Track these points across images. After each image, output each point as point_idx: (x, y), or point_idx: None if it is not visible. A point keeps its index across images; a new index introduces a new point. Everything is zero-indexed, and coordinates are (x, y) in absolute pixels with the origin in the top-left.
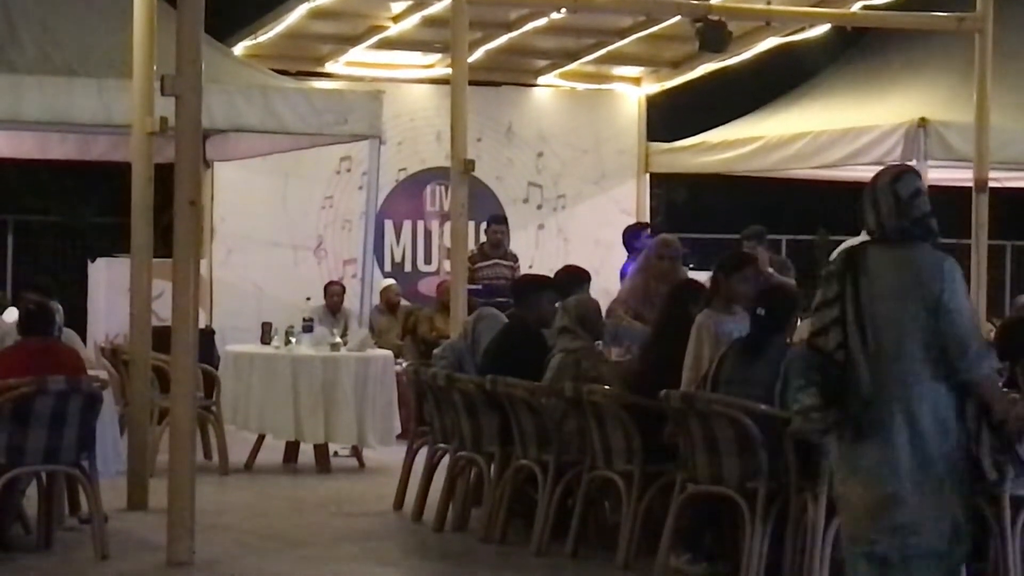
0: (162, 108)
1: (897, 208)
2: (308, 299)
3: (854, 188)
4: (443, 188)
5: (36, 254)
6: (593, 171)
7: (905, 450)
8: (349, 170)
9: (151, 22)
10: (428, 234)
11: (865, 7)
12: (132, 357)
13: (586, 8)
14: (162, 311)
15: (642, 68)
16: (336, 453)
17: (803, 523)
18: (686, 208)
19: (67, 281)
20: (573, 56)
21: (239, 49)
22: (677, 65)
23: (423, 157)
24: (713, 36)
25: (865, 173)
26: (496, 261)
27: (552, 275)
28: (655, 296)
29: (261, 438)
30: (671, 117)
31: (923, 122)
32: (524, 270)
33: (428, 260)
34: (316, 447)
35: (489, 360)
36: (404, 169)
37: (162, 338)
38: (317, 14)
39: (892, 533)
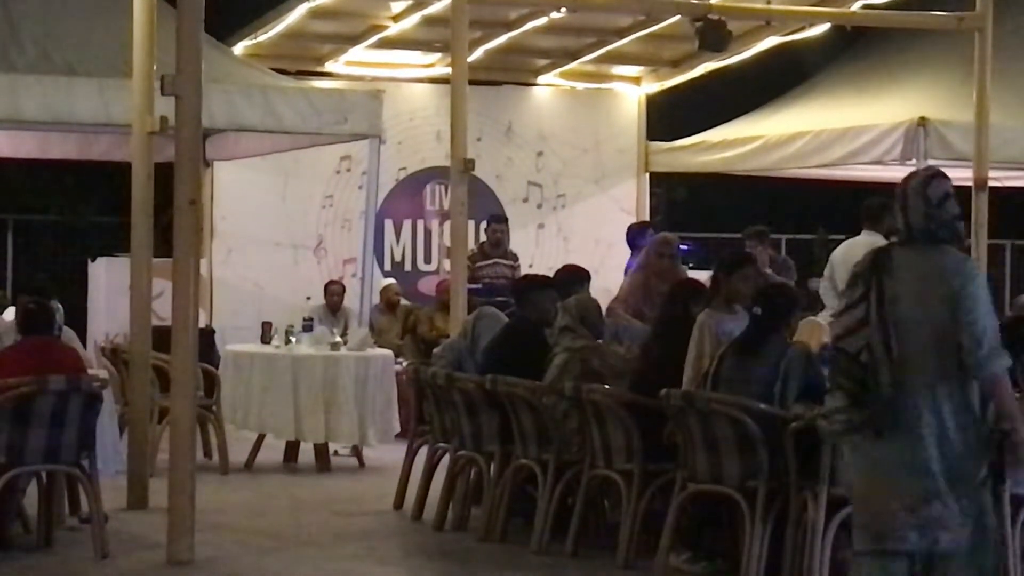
0: (162, 108)
1: (926, 211)
2: (308, 298)
3: (854, 187)
4: (443, 187)
5: (36, 254)
6: (593, 170)
7: (932, 448)
8: (349, 169)
9: (151, 22)
10: (428, 233)
11: (865, 7)
12: (132, 357)
13: (586, 7)
14: (162, 311)
15: (642, 67)
16: (336, 452)
17: (803, 522)
18: (686, 207)
19: (67, 281)
20: (573, 55)
21: (239, 49)
22: (677, 64)
23: (423, 156)
24: (713, 35)
25: (865, 172)
26: (496, 260)
27: (552, 274)
28: (655, 294)
29: (261, 437)
30: (671, 116)
31: (923, 121)
32: (524, 269)
33: (428, 259)
34: (316, 446)
35: (489, 359)
36: (404, 168)
37: (162, 338)
38: (317, 14)
39: (920, 529)
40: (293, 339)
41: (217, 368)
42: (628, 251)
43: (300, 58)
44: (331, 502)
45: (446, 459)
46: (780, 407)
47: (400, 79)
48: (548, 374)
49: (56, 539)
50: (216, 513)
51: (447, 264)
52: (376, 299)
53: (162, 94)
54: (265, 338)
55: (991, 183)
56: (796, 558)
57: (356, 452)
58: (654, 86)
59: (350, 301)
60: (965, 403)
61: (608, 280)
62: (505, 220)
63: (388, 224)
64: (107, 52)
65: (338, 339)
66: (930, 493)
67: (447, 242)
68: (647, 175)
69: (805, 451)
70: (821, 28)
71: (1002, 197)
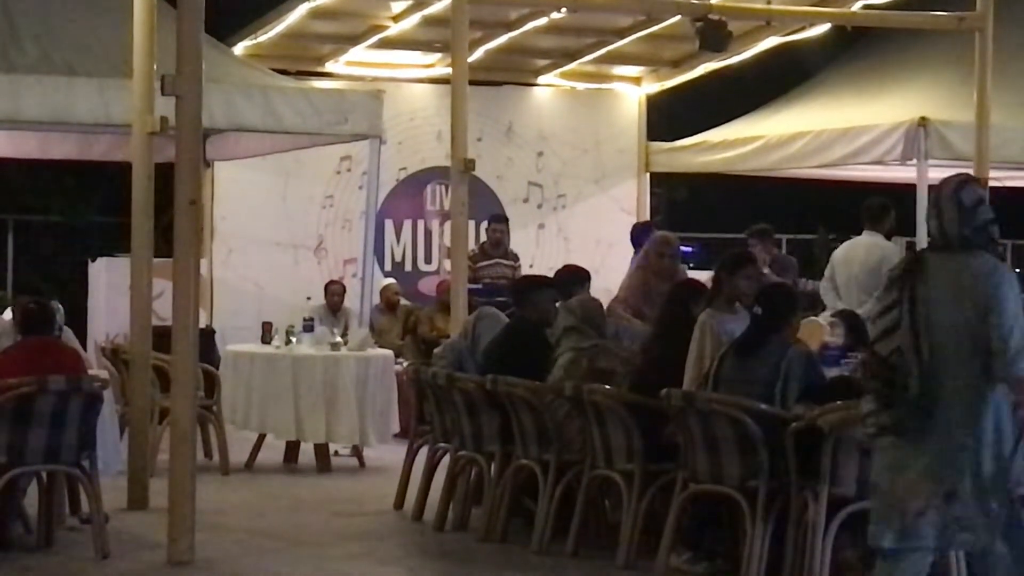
0: (162, 108)
1: (960, 216)
2: (308, 299)
3: (854, 187)
4: (443, 187)
5: (36, 254)
6: (593, 171)
7: (963, 451)
8: (349, 170)
9: (151, 22)
10: (428, 233)
11: (865, 7)
12: (132, 357)
13: (586, 8)
14: (162, 311)
15: (642, 67)
16: (336, 452)
17: (803, 522)
18: (686, 208)
19: (67, 281)
20: (573, 56)
21: (239, 49)
22: (677, 64)
23: (423, 156)
24: (713, 35)
25: (865, 172)
26: (497, 260)
27: (552, 275)
28: (655, 294)
29: (261, 438)
30: (671, 116)
31: (923, 121)
32: (524, 269)
33: (428, 259)
34: (316, 447)
35: (490, 359)
36: (404, 168)
37: (162, 338)
38: (317, 14)
39: (944, 528)
40: (293, 339)
41: (217, 368)
42: (629, 251)
43: (300, 58)
44: (331, 502)
45: (446, 459)
46: (781, 407)
47: (400, 79)
48: (553, 374)
49: (56, 539)
50: (216, 513)
51: (447, 264)
52: (376, 299)
53: (162, 94)
54: (265, 338)
55: (991, 183)
56: (797, 558)
57: (356, 452)
58: (654, 86)
59: (350, 301)
60: (996, 407)
61: (608, 280)
62: (505, 220)
63: (388, 224)
64: (107, 52)
65: (338, 339)
66: (954, 494)
67: (447, 242)
68: (647, 175)
69: (805, 451)
70: (821, 28)
71: (1002, 197)
